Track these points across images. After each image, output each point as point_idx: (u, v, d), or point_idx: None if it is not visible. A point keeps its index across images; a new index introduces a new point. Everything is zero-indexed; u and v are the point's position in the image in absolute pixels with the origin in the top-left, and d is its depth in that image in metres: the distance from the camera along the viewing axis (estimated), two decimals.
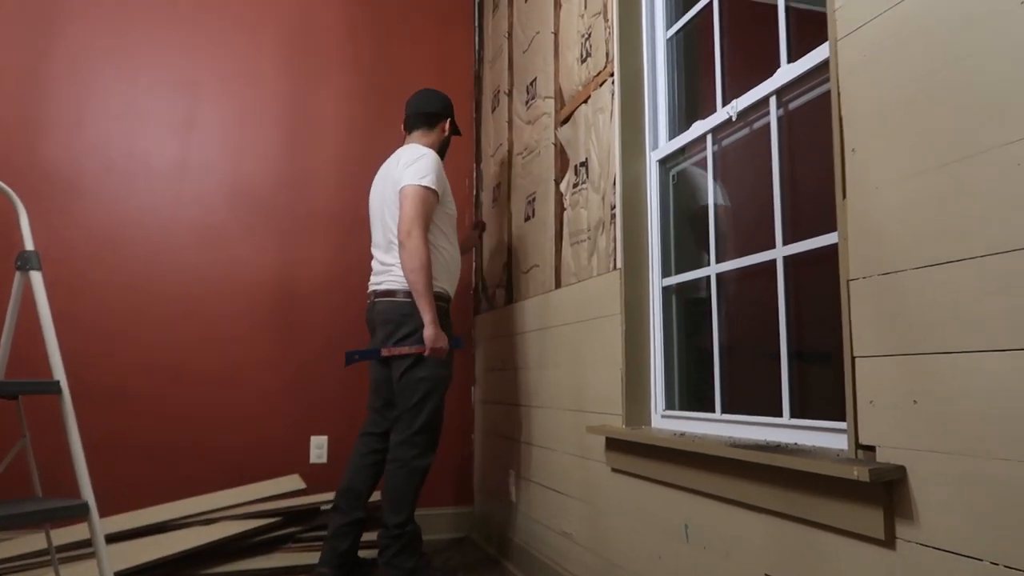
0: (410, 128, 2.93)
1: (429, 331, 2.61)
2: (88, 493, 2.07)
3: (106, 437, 3.21)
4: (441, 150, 2.93)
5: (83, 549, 2.85)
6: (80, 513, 2.05)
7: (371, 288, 2.82)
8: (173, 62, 3.56)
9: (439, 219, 2.75)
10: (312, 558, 3.04)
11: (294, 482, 3.39)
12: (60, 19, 3.43)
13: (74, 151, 3.39)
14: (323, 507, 3.24)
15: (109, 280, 3.36)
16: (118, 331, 3.34)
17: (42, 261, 2.27)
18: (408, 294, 2.65)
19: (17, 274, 2.24)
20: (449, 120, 2.97)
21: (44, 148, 3.35)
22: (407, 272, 2.61)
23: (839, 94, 1.35)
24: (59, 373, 2.14)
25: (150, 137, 3.50)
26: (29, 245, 2.23)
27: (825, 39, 1.43)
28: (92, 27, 3.47)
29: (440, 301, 2.71)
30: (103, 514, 2.82)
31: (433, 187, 2.67)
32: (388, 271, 2.74)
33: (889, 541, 1.18)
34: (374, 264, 2.85)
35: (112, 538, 2.88)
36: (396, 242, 2.68)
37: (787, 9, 1.68)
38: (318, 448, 3.52)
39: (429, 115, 2.92)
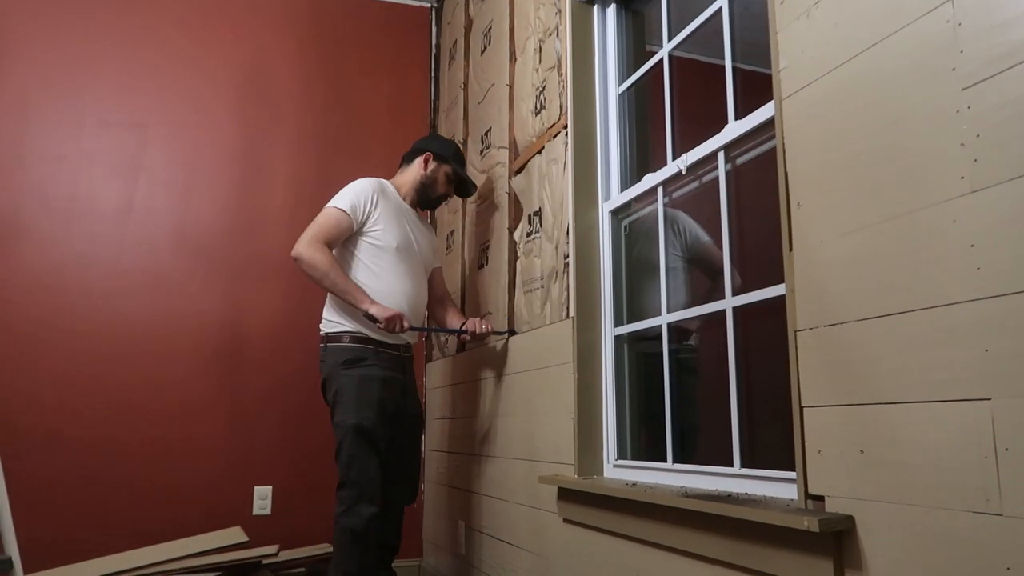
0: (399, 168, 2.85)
1: (374, 312, 2.43)
2: (12, 548, 1.96)
3: (35, 487, 3.05)
4: (423, 189, 2.75)
5: None
6: (3, 569, 1.94)
7: None
8: (120, 103, 3.51)
9: (359, 250, 2.57)
10: None
11: (235, 535, 3.26)
12: (4, 57, 3.36)
13: (14, 189, 3.29)
14: (265, 561, 3.12)
15: (45, 322, 3.23)
16: (53, 375, 3.20)
17: None
18: (322, 337, 2.55)
19: None
20: (428, 155, 2.74)
21: None
22: (317, 283, 2.48)
23: (784, 150, 1.39)
24: None
25: (94, 179, 3.42)
26: None
27: (771, 98, 1.48)
28: (37, 65, 3.41)
29: (353, 342, 2.49)
30: (28, 570, 2.66)
31: (342, 208, 2.52)
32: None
33: None
34: None
35: None
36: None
37: (734, 69, 1.74)
38: (262, 499, 3.40)
39: (411, 151, 2.82)
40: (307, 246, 2.46)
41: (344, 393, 2.45)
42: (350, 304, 2.47)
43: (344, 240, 2.55)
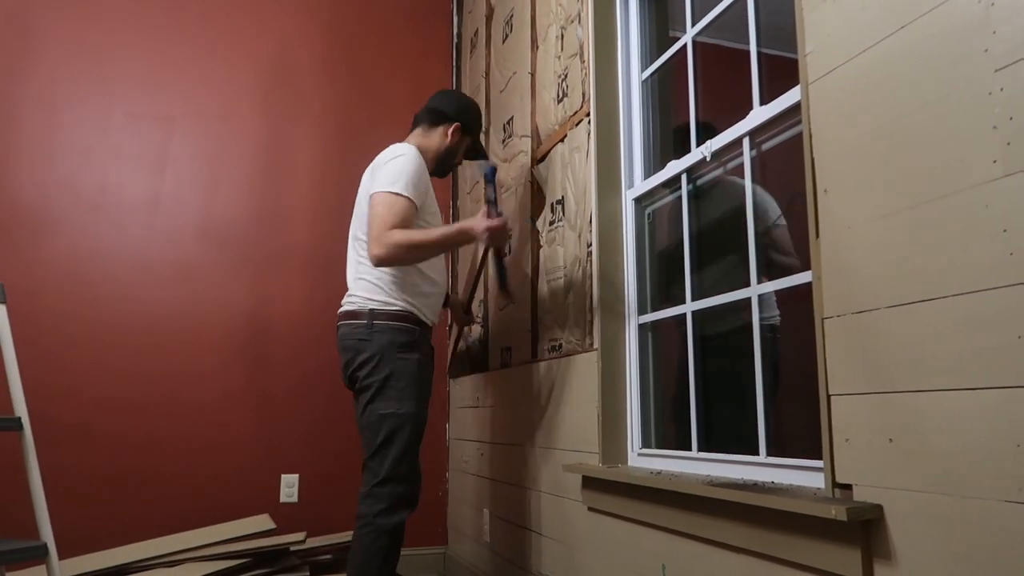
0: (413, 125, 2.54)
1: (478, 226, 2.24)
2: (47, 534, 2.00)
3: (68, 476, 3.12)
4: (443, 159, 2.49)
5: None
6: (39, 555, 1.98)
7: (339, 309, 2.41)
8: (147, 96, 3.54)
9: None
10: None
11: (263, 522, 3.31)
12: (33, 50, 3.41)
13: (43, 184, 3.34)
14: (292, 547, 3.16)
15: (76, 315, 3.29)
16: (84, 367, 3.26)
17: (7, 294, 2.23)
18: (364, 314, 2.25)
19: None
20: (457, 126, 2.48)
21: (12, 180, 3.30)
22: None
23: (811, 136, 1.37)
24: (21, 409, 2.08)
25: (122, 172, 3.47)
26: None
27: (797, 83, 1.46)
28: (65, 60, 3.45)
29: (408, 323, 2.27)
30: (63, 556, 2.72)
31: (409, 196, 2.21)
32: (351, 290, 2.36)
33: None
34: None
35: None
36: (363, 260, 2.29)
37: (759, 54, 1.72)
38: (289, 487, 3.44)
39: (434, 112, 2.50)
40: (380, 243, 2.15)
41: (402, 379, 2.22)
42: (452, 246, 2.49)
43: None
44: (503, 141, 3.15)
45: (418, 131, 2.51)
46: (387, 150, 2.36)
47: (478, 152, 2.64)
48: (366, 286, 2.30)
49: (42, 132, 3.38)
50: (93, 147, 3.44)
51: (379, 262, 2.17)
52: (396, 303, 2.26)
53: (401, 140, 2.46)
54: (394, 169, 2.25)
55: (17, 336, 2.20)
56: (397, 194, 2.20)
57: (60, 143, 3.40)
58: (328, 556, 3.28)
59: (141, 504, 3.24)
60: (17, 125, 3.35)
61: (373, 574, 2.17)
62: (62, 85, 3.43)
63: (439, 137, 2.48)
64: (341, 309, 2.37)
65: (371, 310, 2.25)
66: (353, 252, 2.40)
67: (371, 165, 2.41)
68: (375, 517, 2.17)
